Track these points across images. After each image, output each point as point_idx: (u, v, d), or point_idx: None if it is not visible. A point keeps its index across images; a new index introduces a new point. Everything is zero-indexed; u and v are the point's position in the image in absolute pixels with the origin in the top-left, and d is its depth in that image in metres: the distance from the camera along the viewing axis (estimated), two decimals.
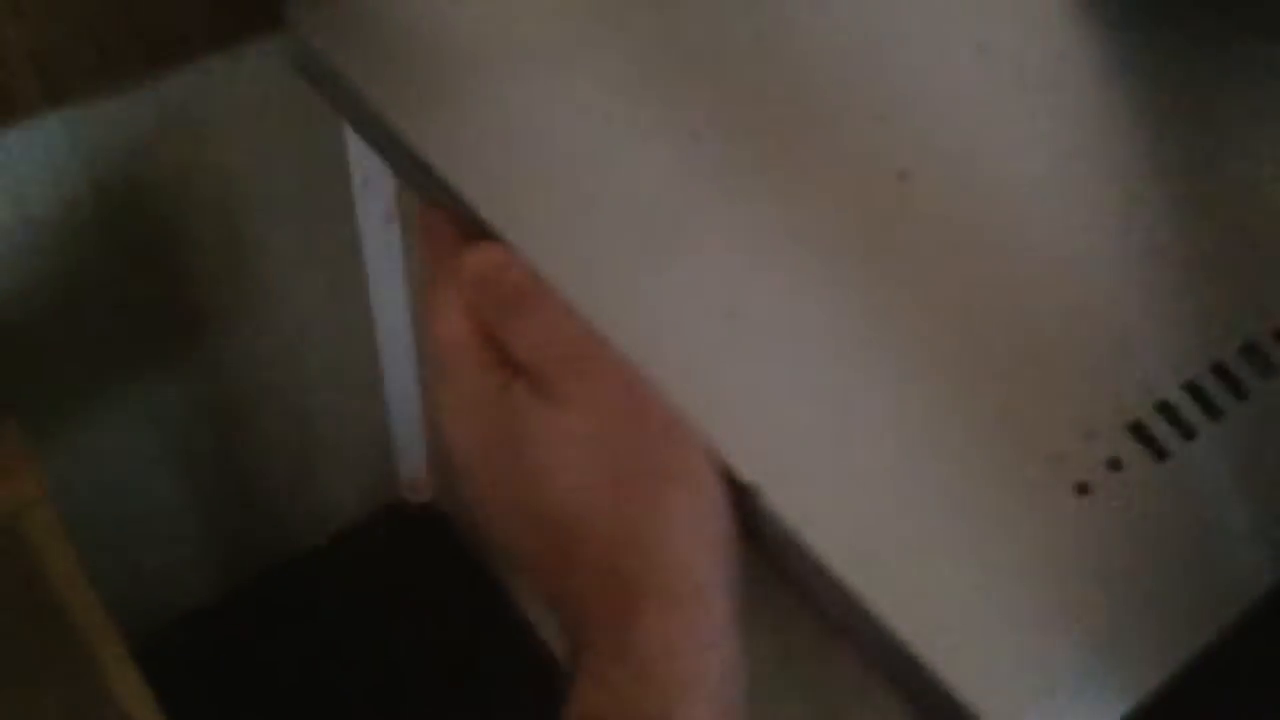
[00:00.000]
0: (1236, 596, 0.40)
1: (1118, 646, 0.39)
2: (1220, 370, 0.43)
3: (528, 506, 0.42)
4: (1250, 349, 0.44)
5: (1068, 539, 0.41)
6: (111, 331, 0.85)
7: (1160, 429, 0.42)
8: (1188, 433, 0.42)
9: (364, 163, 0.85)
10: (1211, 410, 0.43)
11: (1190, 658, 0.39)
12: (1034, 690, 0.38)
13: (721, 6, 0.56)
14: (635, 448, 0.42)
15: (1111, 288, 0.46)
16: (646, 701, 0.39)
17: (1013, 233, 0.48)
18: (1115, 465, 0.42)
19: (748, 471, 0.41)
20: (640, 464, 0.41)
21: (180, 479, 0.98)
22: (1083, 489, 0.41)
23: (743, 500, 0.41)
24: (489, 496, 0.43)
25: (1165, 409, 0.43)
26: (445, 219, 0.48)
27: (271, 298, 0.91)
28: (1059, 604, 0.40)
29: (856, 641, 0.40)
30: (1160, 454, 0.42)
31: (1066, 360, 0.44)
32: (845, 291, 0.46)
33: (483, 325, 0.44)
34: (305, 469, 1.05)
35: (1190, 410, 0.43)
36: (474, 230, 0.47)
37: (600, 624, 0.41)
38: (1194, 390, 0.43)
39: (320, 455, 1.05)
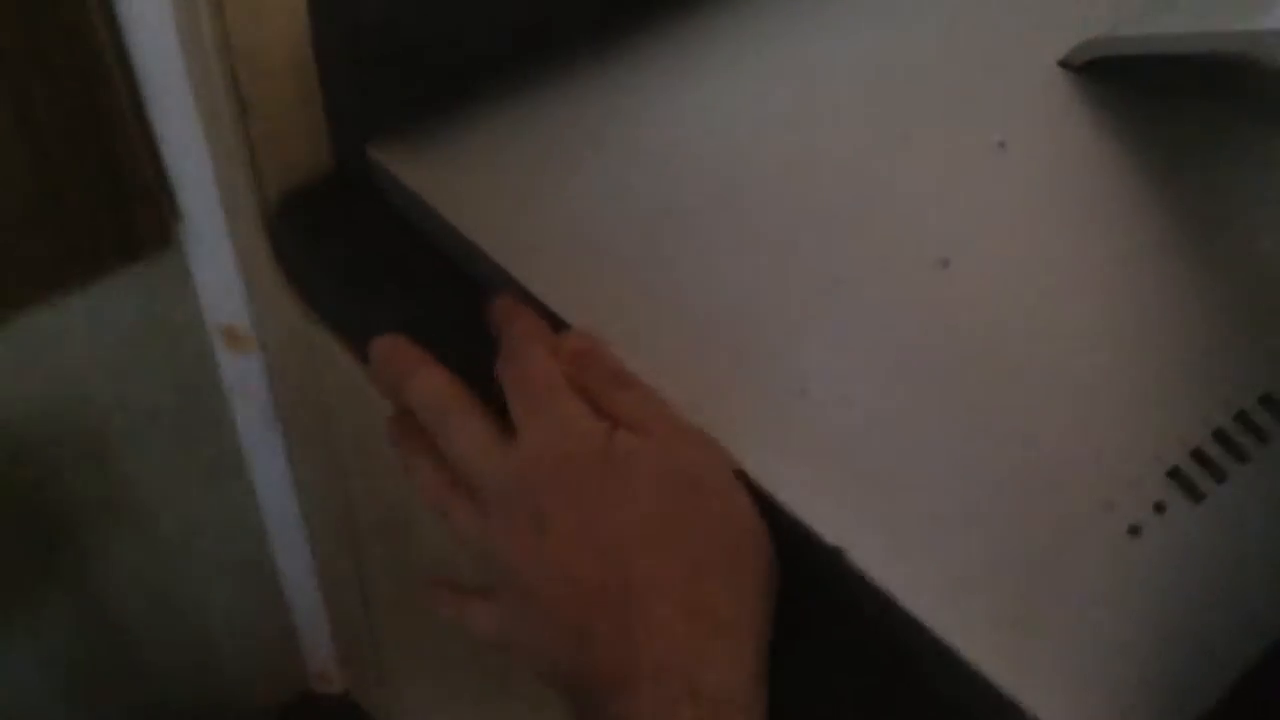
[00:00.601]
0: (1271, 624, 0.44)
1: (1172, 671, 0.42)
2: (1243, 418, 0.48)
3: (604, 532, 0.44)
4: (1268, 399, 0.48)
5: (1126, 576, 0.44)
6: None
7: (1195, 473, 0.46)
8: (1219, 475, 0.46)
9: (238, 373, 0.85)
10: (1239, 454, 0.47)
11: (1235, 679, 0.42)
12: (1101, 712, 0.40)
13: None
14: (716, 504, 0.45)
15: (1140, 351, 0.51)
16: None
17: (1046, 306, 0.52)
18: (1160, 508, 0.45)
19: (830, 535, 0.44)
20: (720, 514, 0.46)
21: (72, 703, 0.93)
22: (1134, 530, 0.45)
23: (829, 561, 0.44)
24: (559, 521, 0.44)
25: (1198, 455, 0.47)
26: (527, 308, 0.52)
27: (152, 511, 0.88)
28: (1125, 635, 0.42)
29: (939, 674, 0.44)
30: (1197, 496, 0.46)
31: (1107, 418, 0.49)
32: (902, 366, 0.49)
33: (583, 392, 0.47)
34: (207, 675, 1.01)
35: (1220, 456, 0.47)
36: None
37: (664, 658, 0.42)
38: (1221, 437, 0.47)
39: (223, 659, 1.01)
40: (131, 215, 0.71)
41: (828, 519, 0.45)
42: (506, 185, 0.58)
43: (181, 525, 0.89)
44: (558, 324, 0.52)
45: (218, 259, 0.77)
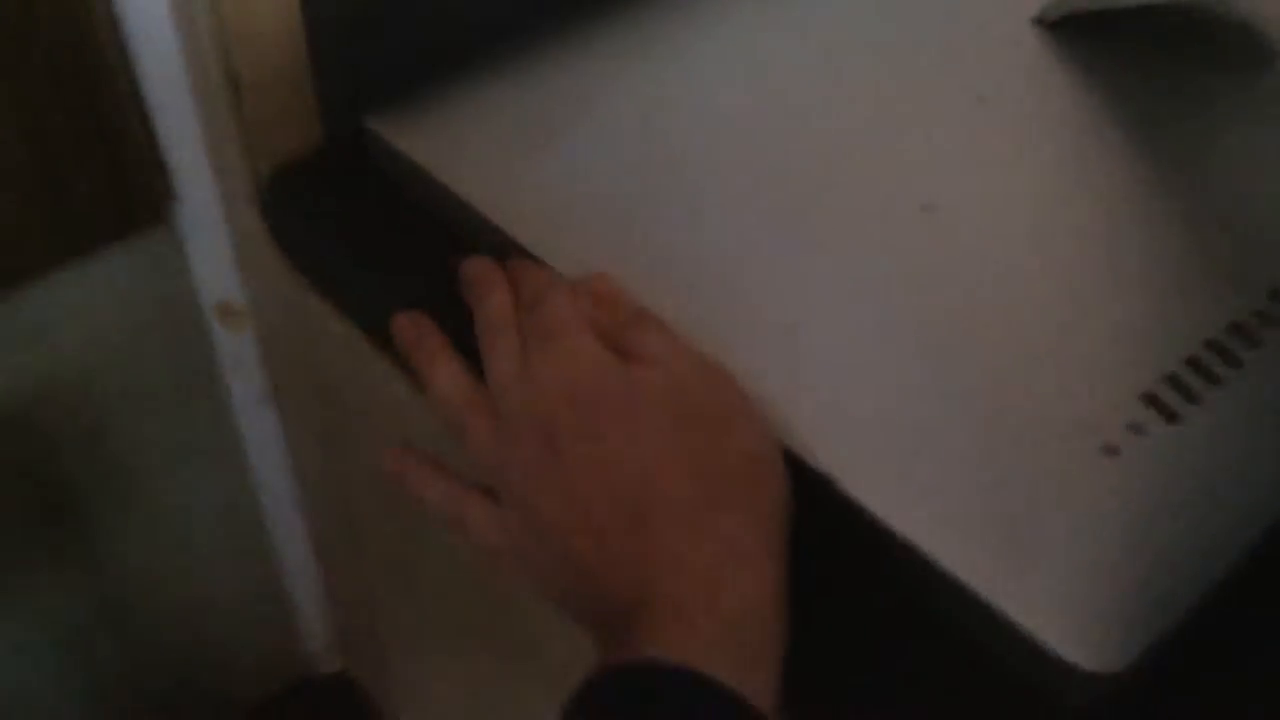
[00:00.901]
0: (1244, 531, 0.45)
1: (1147, 583, 0.44)
2: (1214, 345, 0.49)
3: (617, 460, 0.45)
4: (1237, 327, 0.50)
5: (1104, 493, 0.45)
6: None
7: (1169, 397, 0.48)
8: (1193, 399, 0.48)
9: (232, 350, 0.86)
10: (1211, 378, 0.48)
11: (1214, 585, 0.44)
12: (1085, 617, 0.43)
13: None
14: (730, 433, 0.47)
15: (1114, 285, 0.53)
16: (734, 653, 0.42)
17: (1025, 245, 0.54)
18: (1136, 429, 0.47)
19: (819, 463, 0.45)
20: (734, 445, 0.46)
21: (70, 681, 0.94)
22: (1111, 450, 0.46)
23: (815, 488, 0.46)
24: (571, 448, 0.45)
25: (1172, 380, 0.48)
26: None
27: (150, 492, 0.89)
28: (1102, 547, 0.44)
29: (932, 597, 0.46)
30: (1172, 418, 0.47)
31: (1084, 347, 0.51)
32: (893, 299, 0.51)
33: (600, 333, 0.49)
34: (206, 655, 1.01)
35: (1193, 380, 0.49)
36: None
37: (681, 583, 0.43)
38: (1194, 363, 0.49)
39: (220, 638, 1.02)
40: (126, 191, 0.72)
41: (816, 448, 0.47)
42: (500, 149, 0.60)
43: (178, 505, 0.90)
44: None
45: (212, 235, 0.78)
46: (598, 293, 0.51)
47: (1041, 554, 0.45)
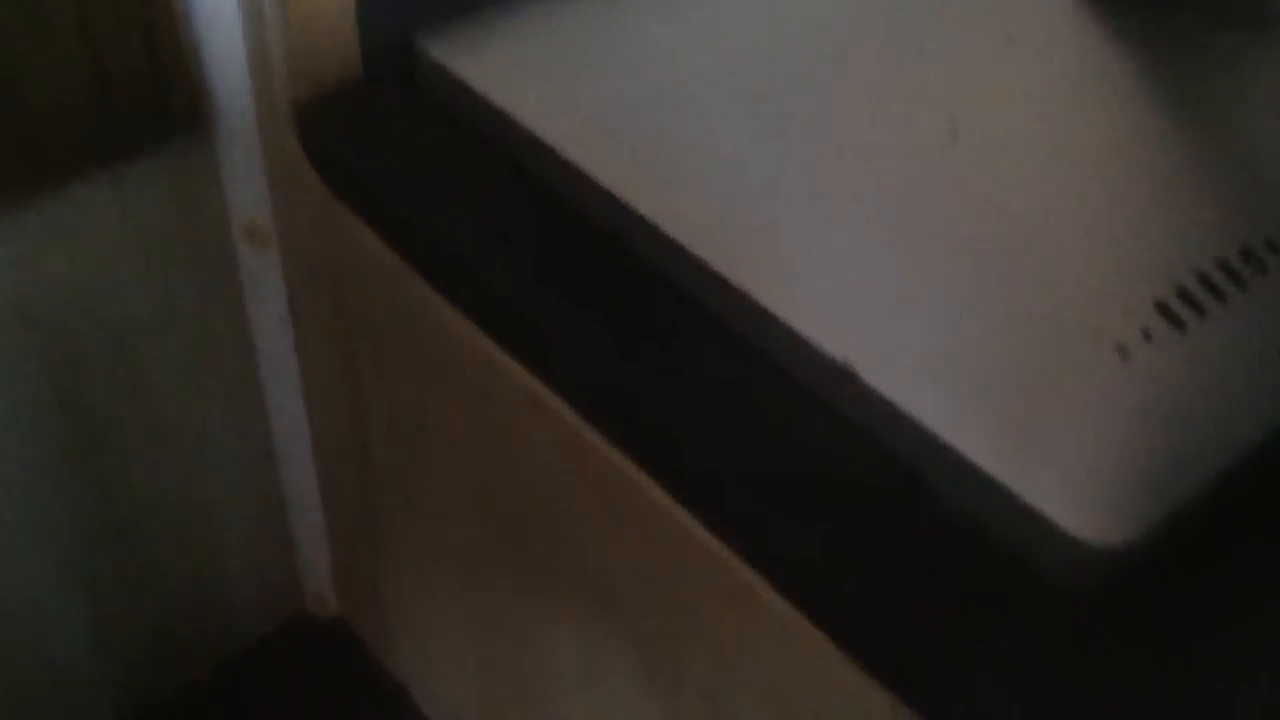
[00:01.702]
0: (1245, 430, 0.47)
1: (1160, 462, 0.46)
2: (1224, 265, 0.51)
3: None
4: (1246, 252, 0.52)
5: (1115, 390, 0.47)
6: (1, 446, 0.82)
7: (1179, 308, 0.50)
8: (1201, 311, 0.50)
9: (256, 270, 0.87)
10: (1219, 294, 0.50)
11: (1219, 472, 0.46)
12: (1089, 494, 0.45)
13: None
14: None
15: (1129, 206, 0.56)
16: None
17: (1047, 168, 0.57)
18: (1147, 335, 0.49)
19: (836, 353, 0.48)
20: None
21: (73, 601, 0.95)
22: (1123, 352, 0.48)
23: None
24: None
25: (1183, 293, 0.51)
26: None
27: (166, 412, 0.90)
28: (1111, 436, 0.46)
29: (950, 486, 0.47)
30: (1181, 326, 0.50)
31: (1102, 260, 0.53)
32: (919, 209, 0.53)
33: None
34: (206, 586, 1.02)
35: (1202, 295, 0.51)
36: None
37: None
38: (1204, 279, 0.51)
39: (223, 571, 1.02)
40: (167, 97, 0.73)
41: (835, 339, 0.49)
42: (548, 70, 0.63)
43: (190, 425, 0.91)
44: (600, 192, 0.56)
45: (246, 153, 0.80)
46: None
47: (1051, 439, 0.47)
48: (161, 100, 0.73)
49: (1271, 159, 0.59)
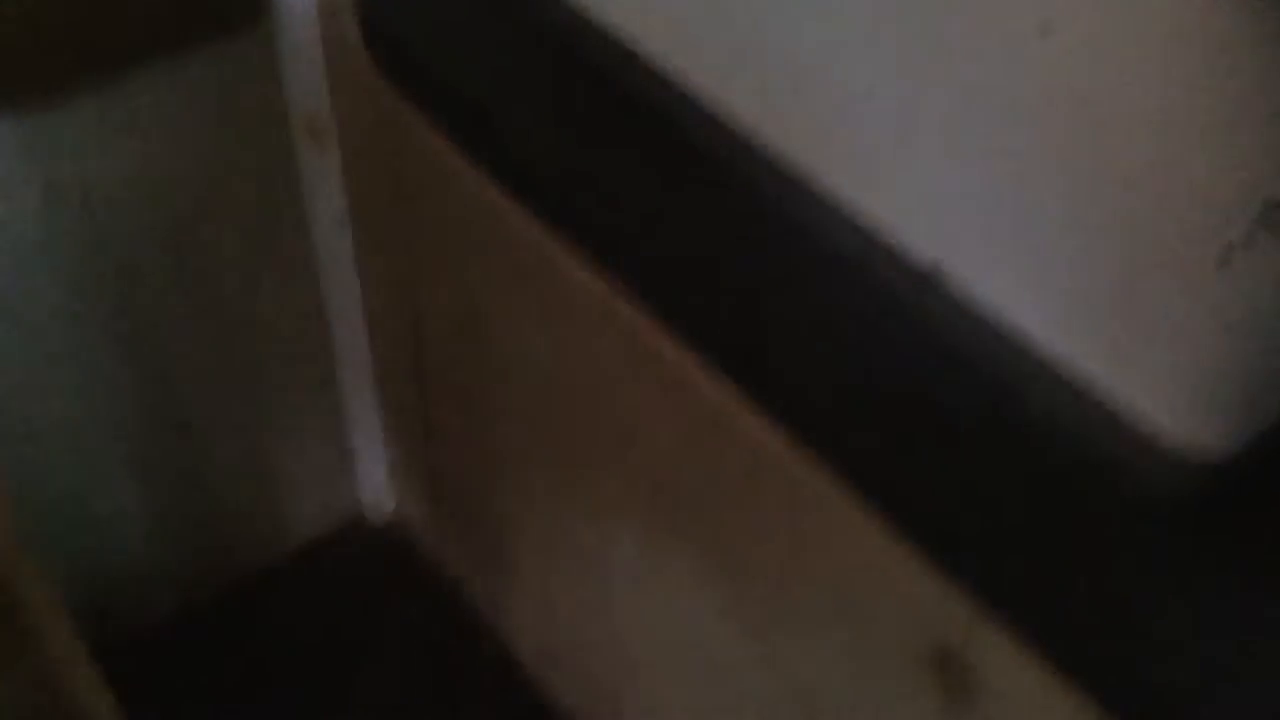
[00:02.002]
0: None
1: (1260, 376, 0.43)
2: None
3: None
4: None
5: (1216, 299, 0.45)
6: (62, 339, 0.82)
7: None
8: None
9: (315, 167, 0.86)
10: None
11: None
12: (1192, 404, 0.43)
13: None
14: None
15: (1234, 111, 0.52)
16: None
17: (1144, 71, 0.54)
18: (1252, 240, 0.46)
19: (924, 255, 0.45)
20: None
21: (133, 490, 0.95)
22: (1224, 261, 0.46)
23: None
24: None
25: None
26: None
27: (226, 306, 0.89)
28: (1212, 347, 0.44)
29: (1044, 394, 0.45)
30: None
31: (1204, 166, 0.50)
32: (1005, 118, 0.51)
33: None
34: (264, 484, 1.02)
35: None
36: None
37: None
38: None
39: (280, 471, 1.03)
40: None
41: (924, 239, 0.47)
42: None
43: (249, 319, 0.91)
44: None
45: (307, 49, 0.78)
46: None
47: (1151, 347, 0.45)
48: None
49: None
